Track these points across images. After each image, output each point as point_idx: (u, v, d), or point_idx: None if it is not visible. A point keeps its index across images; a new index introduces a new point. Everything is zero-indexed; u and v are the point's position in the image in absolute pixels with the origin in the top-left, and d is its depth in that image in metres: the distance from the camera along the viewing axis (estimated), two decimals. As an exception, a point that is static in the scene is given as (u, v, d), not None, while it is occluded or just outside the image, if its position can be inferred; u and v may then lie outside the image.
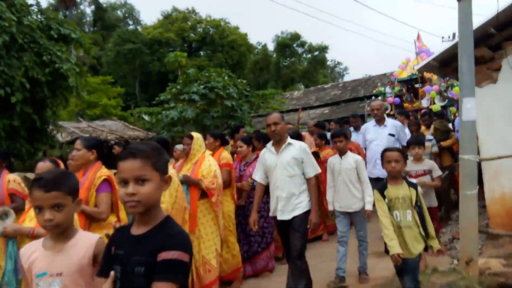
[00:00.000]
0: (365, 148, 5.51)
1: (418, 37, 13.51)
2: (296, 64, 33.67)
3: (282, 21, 72.85)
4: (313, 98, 20.41)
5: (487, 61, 4.50)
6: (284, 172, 3.47)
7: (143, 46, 32.01)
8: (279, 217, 3.53)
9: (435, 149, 5.63)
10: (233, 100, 11.16)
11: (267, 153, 3.65)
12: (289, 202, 3.47)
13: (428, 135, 5.97)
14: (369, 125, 5.44)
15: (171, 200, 3.30)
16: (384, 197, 2.99)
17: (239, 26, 36.28)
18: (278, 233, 3.89)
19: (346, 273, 4.01)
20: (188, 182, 3.79)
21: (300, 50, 34.42)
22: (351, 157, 4.04)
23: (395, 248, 2.78)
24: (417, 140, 4.62)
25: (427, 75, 12.10)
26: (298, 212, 3.46)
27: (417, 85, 12.59)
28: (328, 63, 38.47)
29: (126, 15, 38.78)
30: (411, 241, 2.88)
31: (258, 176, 3.76)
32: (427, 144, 5.13)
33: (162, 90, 33.28)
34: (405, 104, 12.77)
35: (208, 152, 4.19)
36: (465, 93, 3.76)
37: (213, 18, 36.17)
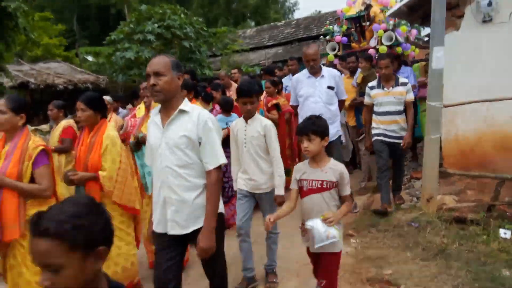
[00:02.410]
0: (296, 107, 4.45)
1: None
2: (247, -2, 32.40)
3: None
4: (266, 36, 20.11)
5: (452, 8, 4.72)
6: (171, 158, 2.19)
7: (80, -24, 28.94)
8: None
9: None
10: (191, 40, 10.76)
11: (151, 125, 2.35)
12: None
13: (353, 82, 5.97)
14: (302, 77, 4.31)
15: (115, 166, 2.81)
16: None
17: (185, -45, 33.68)
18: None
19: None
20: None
21: (251, -17, 32.94)
22: (259, 122, 3.13)
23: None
24: None
25: (372, 12, 12.08)
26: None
27: (364, 24, 11.86)
28: (279, -3, 37.37)
29: None
30: None
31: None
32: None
33: (103, 26, 31.04)
34: (353, 44, 12.02)
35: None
36: (436, 42, 3.99)
37: None
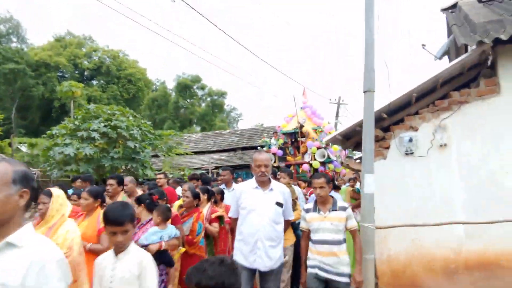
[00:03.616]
0: (235, 220, 3.82)
1: (304, 92, 14.55)
2: (195, 106, 34.15)
3: (182, 62, 73.75)
4: (211, 142, 20.82)
5: (380, 140, 5.36)
6: None
7: (27, 68, 29.17)
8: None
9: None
10: (136, 141, 10.85)
11: None
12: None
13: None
14: (247, 187, 3.78)
15: None
16: None
17: (138, 60, 35.76)
18: None
19: None
20: None
21: (200, 92, 35.13)
22: (134, 257, 2.39)
23: None
24: None
25: (305, 130, 12.97)
26: None
27: (299, 139, 13.18)
28: (225, 107, 39.88)
29: (10, 31, 35.10)
30: None
31: None
32: None
33: (44, 117, 30.54)
34: (288, 157, 13.38)
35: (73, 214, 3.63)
36: (367, 170, 4.43)
37: (111, 48, 35.02)
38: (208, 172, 15.90)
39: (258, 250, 3.50)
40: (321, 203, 3.82)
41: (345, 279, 3.62)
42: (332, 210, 3.74)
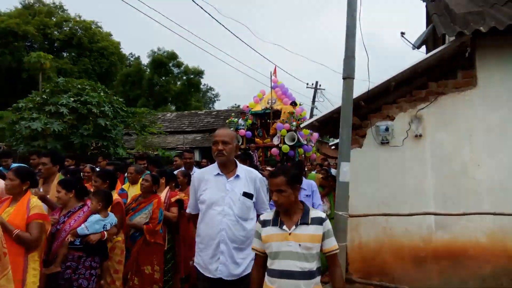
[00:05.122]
0: (195, 216, 2.97)
1: (275, 71, 13.47)
2: (171, 84, 33.40)
3: (158, 37, 71.68)
4: (186, 122, 20.50)
5: (357, 128, 5.33)
6: None
7: (-7, 35, 27.54)
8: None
9: None
10: (107, 119, 10.48)
11: None
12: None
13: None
14: (207, 174, 2.91)
15: None
16: None
17: (112, 33, 34.43)
18: None
19: None
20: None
21: (176, 70, 34.32)
22: None
23: None
24: None
25: (277, 107, 12.26)
26: None
27: (269, 120, 12.56)
28: (201, 86, 39.25)
29: (-27, -5, 32.96)
30: None
31: None
32: None
33: (10, 89, 29.15)
34: (257, 139, 12.55)
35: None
36: (343, 158, 4.40)
37: (83, 19, 33.49)
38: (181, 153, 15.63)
39: (221, 255, 2.72)
40: (284, 213, 2.38)
41: None
42: (301, 223, 2.32)
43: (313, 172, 8.92)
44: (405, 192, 5.00)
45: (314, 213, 2.39)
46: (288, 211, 2.38)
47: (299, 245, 2.28)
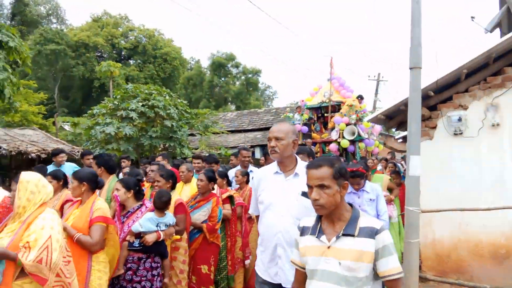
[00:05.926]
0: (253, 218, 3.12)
1: (331, 62, 12.55)
2: (230, 84, 34.14)
3: (216, 40, 73.62)
4: (246, 121, 20.82)
5: (426, 119, 5.10)
6: None
7: (68, 48, 30.05)
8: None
9: None
10: (173, 120, 10.99)
11: None
12: None
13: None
14: (267, 172, 2.72)
15: None
16: None
17: (173, 39, 35.96)
18: None
19: None
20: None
21: (234, 71, 35.00)
22: None
23: None
24: None
25: (336, 98, 11.46)
26: None
27: (327, 114, 11.92)
28: (259, 85, 39.63)
29: (50, 12, 36.17)
30: None
31: None
32: None
33: (85, 97, 31.60)
34: (313, 134, 11.91)
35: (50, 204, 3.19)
36: (412, 151, 4.23)
37: (147, 28, 35.35)
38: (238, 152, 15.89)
39: (279, 259, 2.48)
40: (327, 218, 1.91)
41: None
42: (345, 234, 1.82)
43: (379, 170, 7.38)
44: (481, 186, 4.70)
45: (365, 221, 1.82)
46: (331, 217, 1.87)
47: (339, 263, 1.77)
